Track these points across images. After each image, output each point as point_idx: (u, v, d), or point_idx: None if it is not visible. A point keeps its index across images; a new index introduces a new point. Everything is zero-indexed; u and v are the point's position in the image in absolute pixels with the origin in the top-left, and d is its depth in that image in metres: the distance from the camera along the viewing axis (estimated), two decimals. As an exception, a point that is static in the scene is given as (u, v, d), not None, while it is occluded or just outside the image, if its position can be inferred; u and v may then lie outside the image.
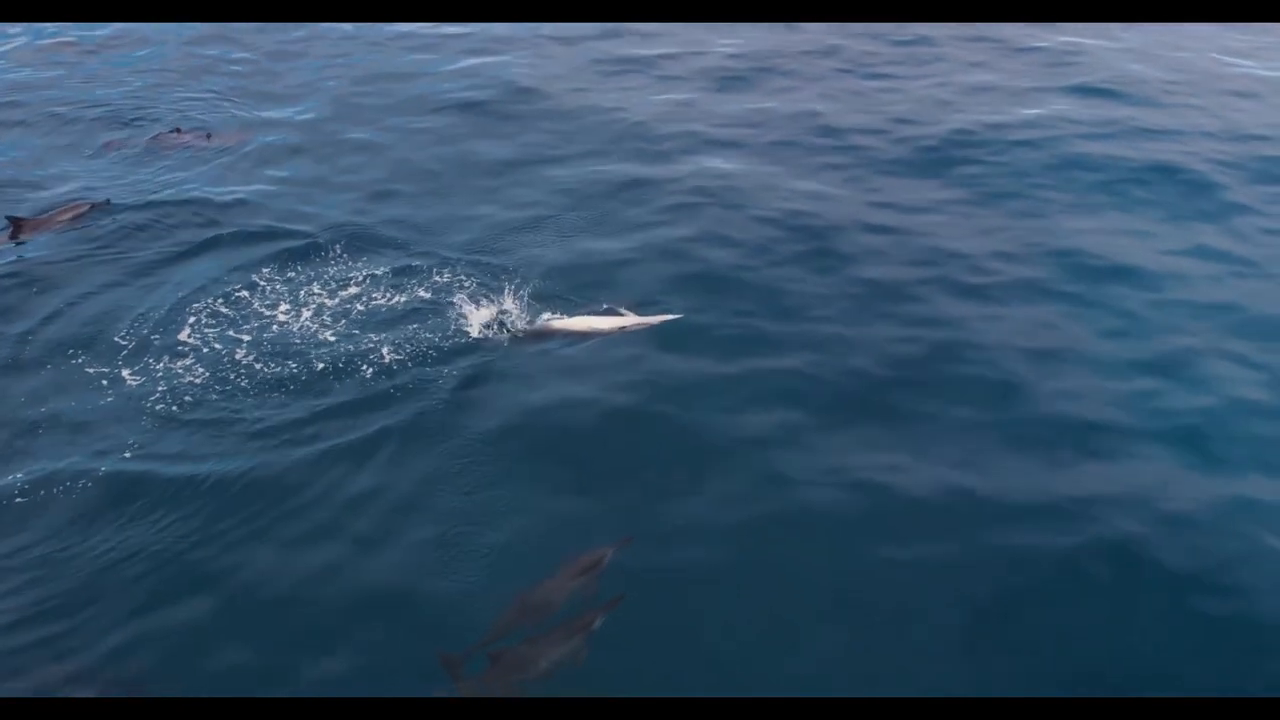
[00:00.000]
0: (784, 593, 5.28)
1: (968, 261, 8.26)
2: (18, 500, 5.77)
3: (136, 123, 11.08)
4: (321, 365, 6.71)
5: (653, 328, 7.01)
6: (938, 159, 10.16)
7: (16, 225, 8.57)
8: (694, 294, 7.64)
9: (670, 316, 7.13)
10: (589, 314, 7.16)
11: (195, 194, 9.26)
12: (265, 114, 11.33)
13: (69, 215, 8.73)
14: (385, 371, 6.67)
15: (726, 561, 5.41)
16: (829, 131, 10.80)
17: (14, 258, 8.26)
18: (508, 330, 7.00)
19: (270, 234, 8.48)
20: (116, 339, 7.09)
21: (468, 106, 11.43)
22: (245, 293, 7.58)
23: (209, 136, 10.56)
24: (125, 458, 6.02)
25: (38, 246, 8.41)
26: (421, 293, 7.56)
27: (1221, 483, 5.99)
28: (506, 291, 7.21)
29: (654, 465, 6.09)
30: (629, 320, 7.03)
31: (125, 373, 6.73)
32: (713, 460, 6.07)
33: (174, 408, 6.39)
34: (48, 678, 4.78)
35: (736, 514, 5.68)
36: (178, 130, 10.64)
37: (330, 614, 5.08)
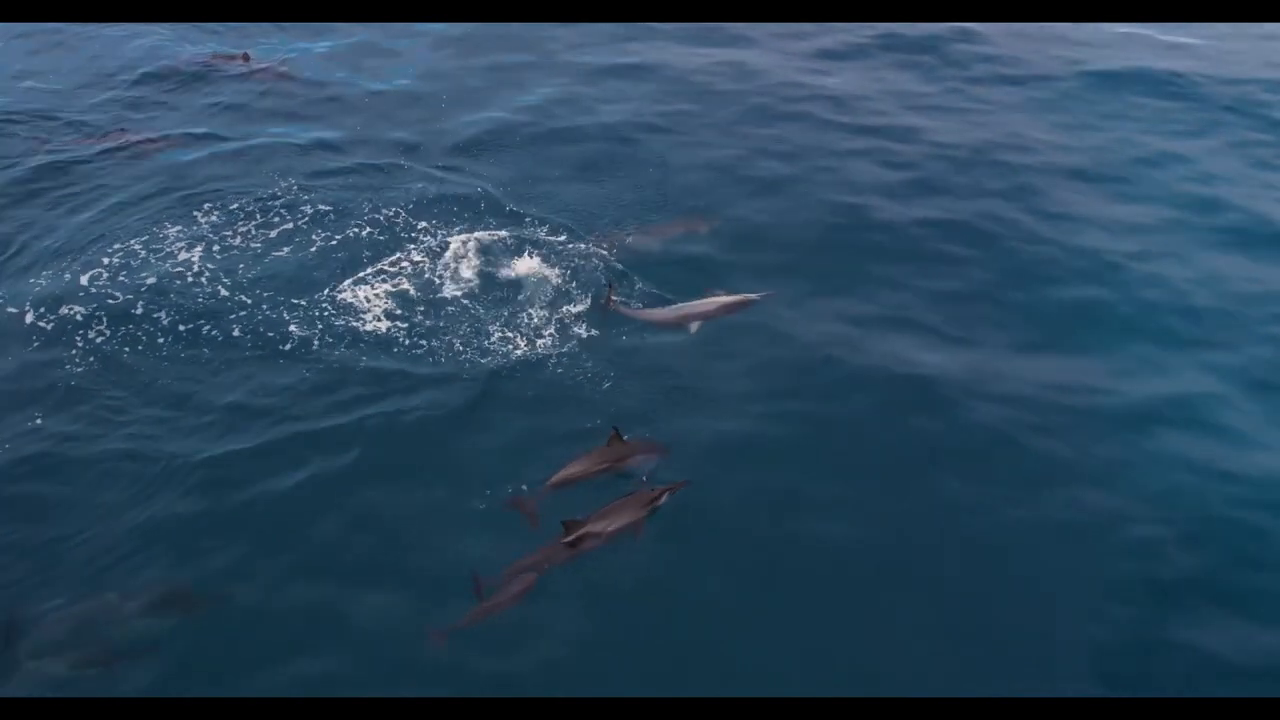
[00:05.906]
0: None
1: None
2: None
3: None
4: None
5: (750, 304, 7.54)
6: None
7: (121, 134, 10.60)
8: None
9: (759, 296, 7.52)
10: (680, 302, 7.59)
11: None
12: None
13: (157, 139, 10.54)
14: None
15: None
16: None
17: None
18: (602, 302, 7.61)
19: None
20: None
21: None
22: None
23: (246, 58, 12.30)
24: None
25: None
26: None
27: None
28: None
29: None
30: (725, 299, 7.48)
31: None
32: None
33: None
34: None
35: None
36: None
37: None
